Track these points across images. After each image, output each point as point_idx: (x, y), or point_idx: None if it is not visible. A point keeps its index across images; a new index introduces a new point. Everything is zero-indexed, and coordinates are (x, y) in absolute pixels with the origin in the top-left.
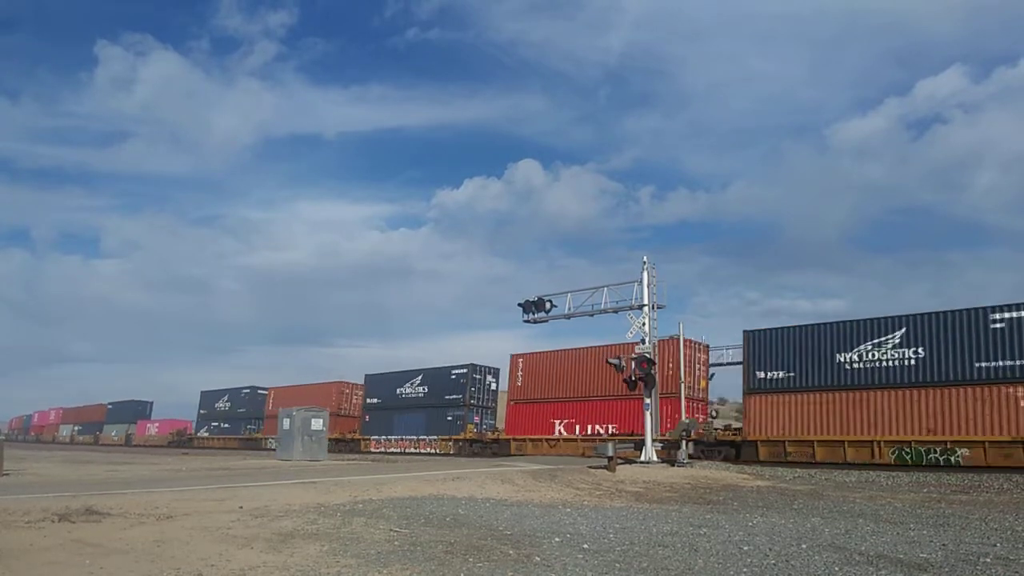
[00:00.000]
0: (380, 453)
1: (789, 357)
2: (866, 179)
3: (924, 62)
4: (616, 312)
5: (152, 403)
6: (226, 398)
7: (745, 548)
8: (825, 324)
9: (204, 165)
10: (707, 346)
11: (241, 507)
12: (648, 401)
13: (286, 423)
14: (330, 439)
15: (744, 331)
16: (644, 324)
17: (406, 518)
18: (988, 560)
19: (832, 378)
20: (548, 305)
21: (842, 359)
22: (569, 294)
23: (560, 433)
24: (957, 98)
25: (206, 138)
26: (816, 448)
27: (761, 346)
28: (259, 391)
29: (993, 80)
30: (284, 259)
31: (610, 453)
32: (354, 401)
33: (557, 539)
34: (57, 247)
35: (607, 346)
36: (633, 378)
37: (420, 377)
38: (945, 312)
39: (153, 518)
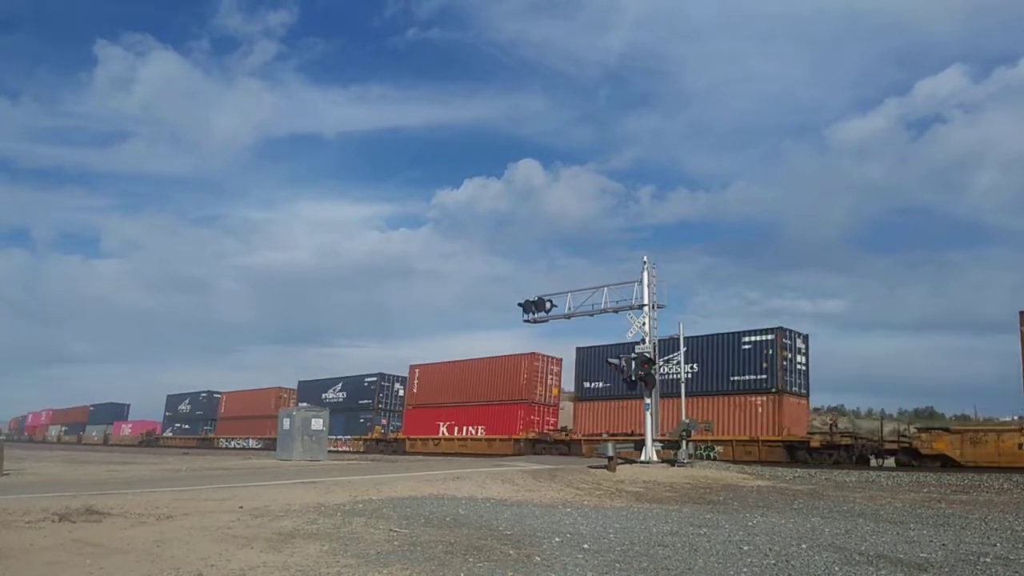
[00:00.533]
0: None
1: (608, 370)
2: (866, 179)
3: (924, 62)
4: (616, 312)
5: (129, 405)
6: (187, 401)
7: (745, 548)
8: (634, 343)
9: (204, 165)
10: (560, 359)
11: (241, 507)
12: (648, 401)
13: (286, 423)
14: (264, 438)
15: (576, 348)
16: (644, 324)
17: (406, 518)
18: (988, 560)
19: (636, 388)
20: (548, 305)
21: None
22: (569, 294)
23: (443, 434)
24: (957, 98)
25: (206, 138)
26: None
27: (588, 361)
28: (215, 395)
29: (993, 80)
30: (284, 259)
31: (610, 453)
32: (290, 405)
33: (557, 539)
34: (57, 247)
35: (485, 358)
36: (633, 378)
37: (341, 384)
38: (712, 335)
39: (153, 518)
